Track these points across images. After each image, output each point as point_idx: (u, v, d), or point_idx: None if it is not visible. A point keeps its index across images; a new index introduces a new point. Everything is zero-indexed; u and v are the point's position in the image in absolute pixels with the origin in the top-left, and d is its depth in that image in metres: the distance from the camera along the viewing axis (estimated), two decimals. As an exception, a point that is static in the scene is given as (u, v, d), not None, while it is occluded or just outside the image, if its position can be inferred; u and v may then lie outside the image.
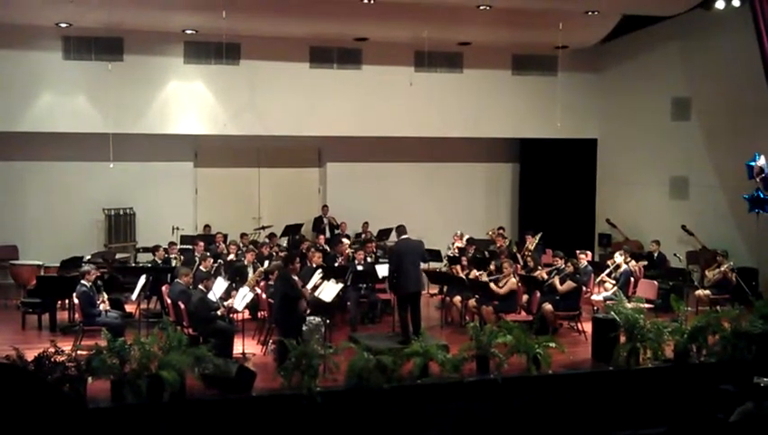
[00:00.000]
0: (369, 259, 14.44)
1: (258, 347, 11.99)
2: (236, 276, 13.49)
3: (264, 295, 12.57)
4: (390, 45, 18.12)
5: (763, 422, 7.94)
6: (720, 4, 15.31)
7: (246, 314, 12.60)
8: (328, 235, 17.67)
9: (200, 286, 11.50)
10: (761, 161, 14.70)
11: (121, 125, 16.72)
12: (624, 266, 14.09)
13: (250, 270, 13.68)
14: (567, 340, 12.15)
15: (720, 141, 16.85)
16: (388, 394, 9.84)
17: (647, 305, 12.36)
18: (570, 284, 12.89)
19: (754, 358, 11.15)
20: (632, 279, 14.05)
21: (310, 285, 11.84)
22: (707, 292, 14.16)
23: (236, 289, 12.24)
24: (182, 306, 11.44)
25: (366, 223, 18.13)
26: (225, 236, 16.15)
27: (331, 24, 16.72)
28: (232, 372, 9.66)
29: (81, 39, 16.55)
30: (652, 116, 18.20)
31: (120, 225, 17.47)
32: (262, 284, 12.90)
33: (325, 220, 18.44)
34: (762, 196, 14.70)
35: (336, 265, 14.04)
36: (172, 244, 15.30)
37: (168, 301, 12.11)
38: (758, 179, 14.70)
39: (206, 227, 17.66)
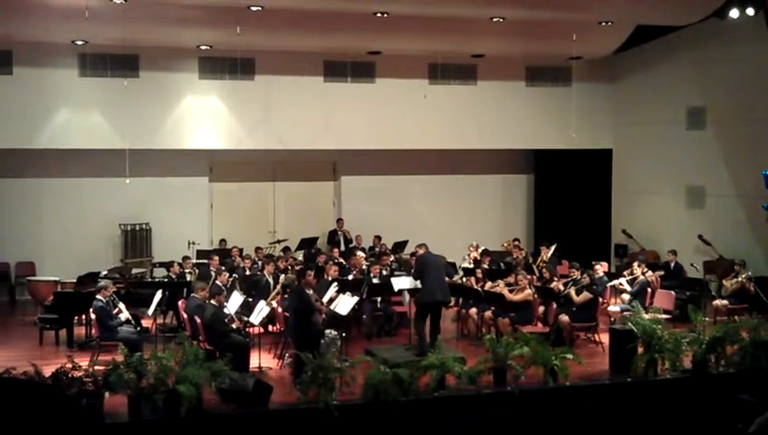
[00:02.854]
0: (384, 272, 14.42)
1: (274, 361, 11.98)
2: (252, 290, 13.51)
3: (279, 309, 12.58)
4: (404, 58, 18.16)
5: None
6: (734, 13, 15.27)
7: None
8: (342, 248, 17.68)
9: (212, 301, 11.49)
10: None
11: (137, 141, 16.82)
12: (641, 277, 14.03)
13: (271, 281, 13.67)
14: (584, 351, 12.09)
15: (736, 150, 16.77)
16: (405, 407, 9.82)
17: (664, 316, 12.30)
18: (586, 295, 12.81)
19: (774, 368, 11.06)
20: (649, 290, 13.97)
21: (325, 299, 11.83)
22: (725, 302, 14.05)
23: (253, 303, 12.23)
24: (198, 321, 11.46)
25: (378, 237, 18.06)
26: (241, 251, 16.23)
27: (345, 38, 16.79)
28: (249, 386, 9.67)
29: (97, 56, 16.66)
30: (667, 125, 18.13)
31: (137, 240, 17.55)
32: (278, 297, 12.92)
33: (339, 233, 18.46)
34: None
35: (350, 277, 14.03)
36: (186, 258, 15.32)
37: (185, 315, 12.13)
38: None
39: (222, 241, 17.74)
